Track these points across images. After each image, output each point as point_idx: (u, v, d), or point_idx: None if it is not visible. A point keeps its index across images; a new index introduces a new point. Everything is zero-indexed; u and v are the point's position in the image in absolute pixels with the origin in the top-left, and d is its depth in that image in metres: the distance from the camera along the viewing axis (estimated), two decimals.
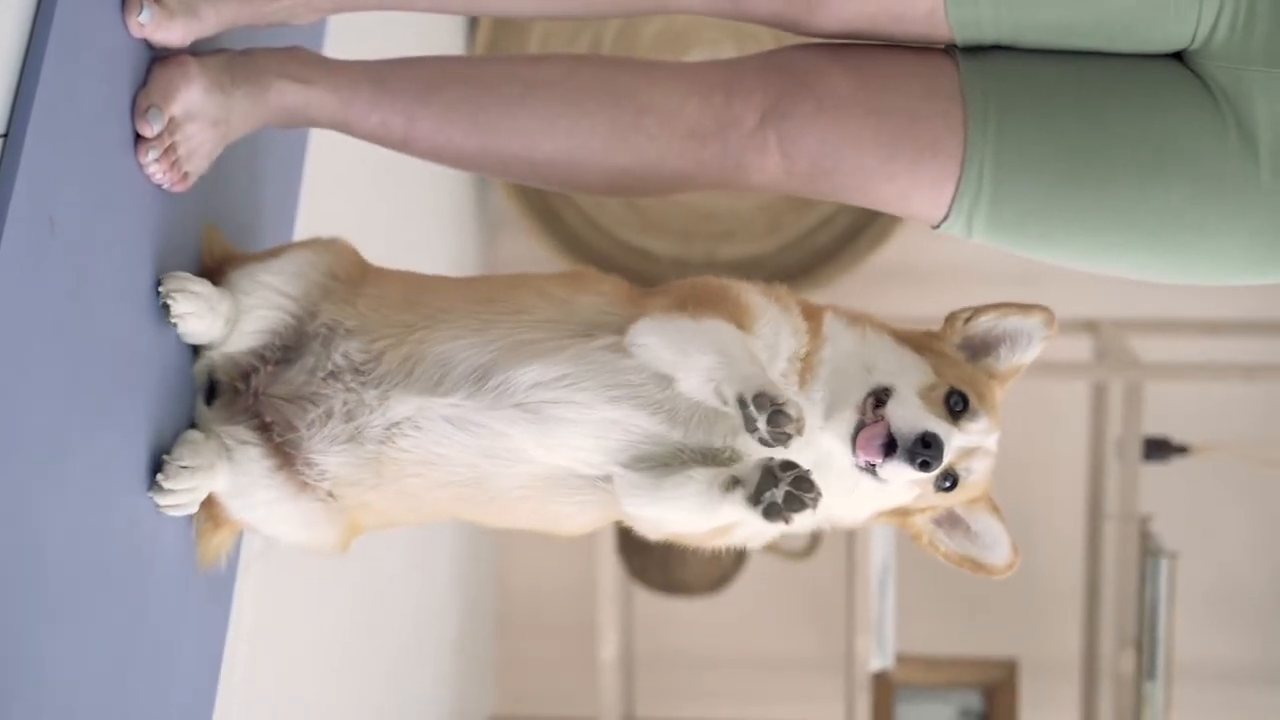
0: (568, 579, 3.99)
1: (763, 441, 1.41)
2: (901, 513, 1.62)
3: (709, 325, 1.51)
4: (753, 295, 1.58)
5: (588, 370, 1.54)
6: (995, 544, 1.63)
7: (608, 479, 1.55)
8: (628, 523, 1.59)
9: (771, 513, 1.39)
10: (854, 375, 1.55)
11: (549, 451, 1.54)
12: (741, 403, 1.41)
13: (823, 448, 1.54)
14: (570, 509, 1.59)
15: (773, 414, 1.39)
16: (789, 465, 1.40)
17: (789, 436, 1.39)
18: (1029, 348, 1.64)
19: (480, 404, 1.55)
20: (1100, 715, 3.60)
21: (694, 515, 1.49)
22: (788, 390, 1.48)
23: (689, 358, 1.49)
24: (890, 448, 1.49)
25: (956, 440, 1.53)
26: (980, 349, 1.65)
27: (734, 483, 1.44)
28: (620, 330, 1.55)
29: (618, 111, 1.63)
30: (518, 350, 1.56)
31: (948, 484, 1.57)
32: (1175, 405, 3.63)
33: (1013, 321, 1.64)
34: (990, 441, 1.58)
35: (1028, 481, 3.73)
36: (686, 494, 1.48)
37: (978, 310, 1.64)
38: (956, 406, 1.55)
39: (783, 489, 1.39)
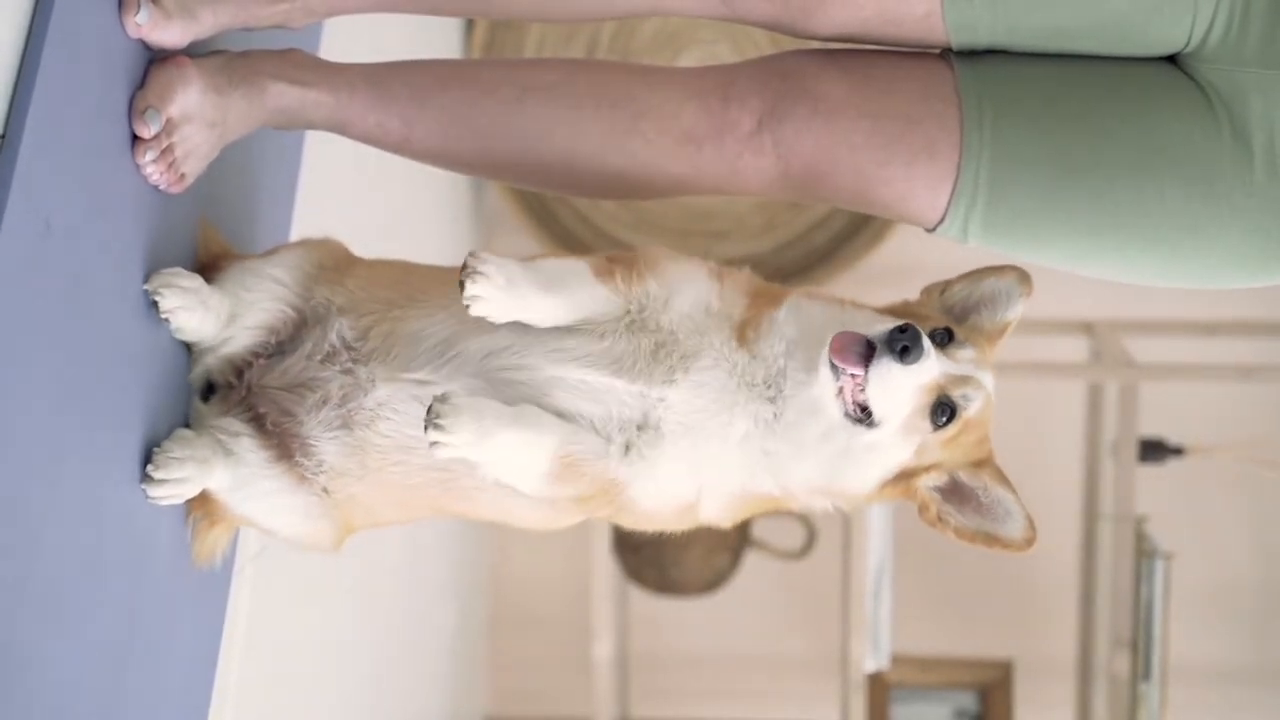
0: (563, 578, 4.00)
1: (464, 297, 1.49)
2: (906, 477, 1.57)
3: (565, 261, 1.56)
4: (668, 258, 1.60)
5: (531, 336, 1.55)
6: (1008, 516, 1.58)
7: None
8: (565, 508, 1.61)
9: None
10: (828, 332, 1.52)
11: None
12: None
13: (805, 403, 1.53)
14: (518, 500, 1.59)
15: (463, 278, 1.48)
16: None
17: (462, 284, 1.47)
18: (1010, 307, 1.63)
19: (441, 377, 1.57)
20: (1095, 716, 3.60)
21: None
22: (511, 263, 1.51)
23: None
24: (868, 356, 1.48)
25: (946, 365, 1.51)
26: (961, 317, 1.64)
27: None
28: None
29: (615, 115, 1.63)
30: (473, 322, 1.56)
31: (945, 418, 1.53)
32: (1171, 406, 3.64)
33: (989, 284, 1.63)
34: (983, 377, 1.55)
35: (1023, 482, 3.71)
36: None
37: (949, 281, 1.64)
38: (942, 340, 1.54)
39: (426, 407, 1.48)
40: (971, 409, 1.54)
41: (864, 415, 1.51)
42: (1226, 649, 3.92)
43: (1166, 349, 3.70)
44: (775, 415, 1.54)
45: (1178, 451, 3.48)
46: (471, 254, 1.48)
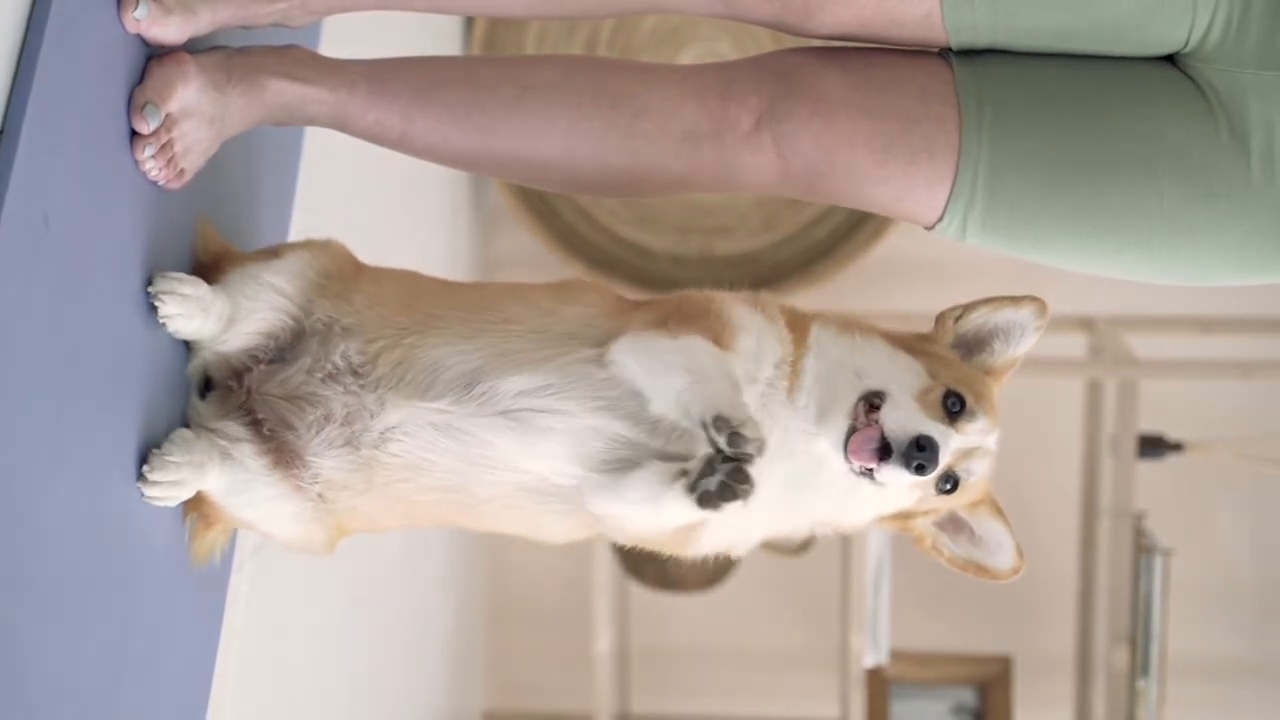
0: (562, 573, 4.00)
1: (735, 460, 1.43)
2: (903, 516, 1.62)
3: (685, 344, 1.52)
4: (736, 308, 1.58)
5: (571, 380, 1.55)
6: (1000, 548, 1.63)
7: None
8: (601, 529, 1.60)
9: (705, 500, 1.42)
10: (845, 381, 1.55)
11: (531, 459, 1.55)
12: (704, 425, 1.44)
13: (816, 453, 1.55)
14: (547, 518, 1.60)
15: (731, 435, 1.41)
16: (729, 458, 1.42)
17: (751, 456, 1.41)
18: (1023, 340, 1.64)
19: (466, 410, 1.56)
20: (1094, 711, 3.60)
21: (646, 507, 1.51)
22: (747, 409, 1.47)
23: (660, 379, 1.50)
24: (884, 452, 1.50)
25: (955, 442, 1.53)
26: (974, 345, 1.64)
27: (682, 474, 1.46)
28: (602, 343, 1.56)
29: (614, 113, 1.63)
30: (503, 359, 1.57)
31: (948, 486, 1.57)
32: (1170, 402, 3.64)
33: (1005, 315, 1.63)
34: (989, 441, 1.57)
35: (1023, 478, 3.73)
36: (638, 485, 1.50)
37: (968, 307, 1.64)
38: (954, 408, 1.55)
39: (718, 478, 1.41)
40: (973, 479, 1.58)
41: (870, 474, 1.53)
42: (1225, 645, 3.92)
43: (1166, 346, 3.70)
44: (798, 465, 1.56)
45: (1177, 448, 3.48)
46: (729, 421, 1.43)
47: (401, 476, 1.59)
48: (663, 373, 1.50)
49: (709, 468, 1.42)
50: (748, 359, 1.54)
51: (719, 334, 1.54)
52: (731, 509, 1.42)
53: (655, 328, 1.55)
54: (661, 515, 1.51)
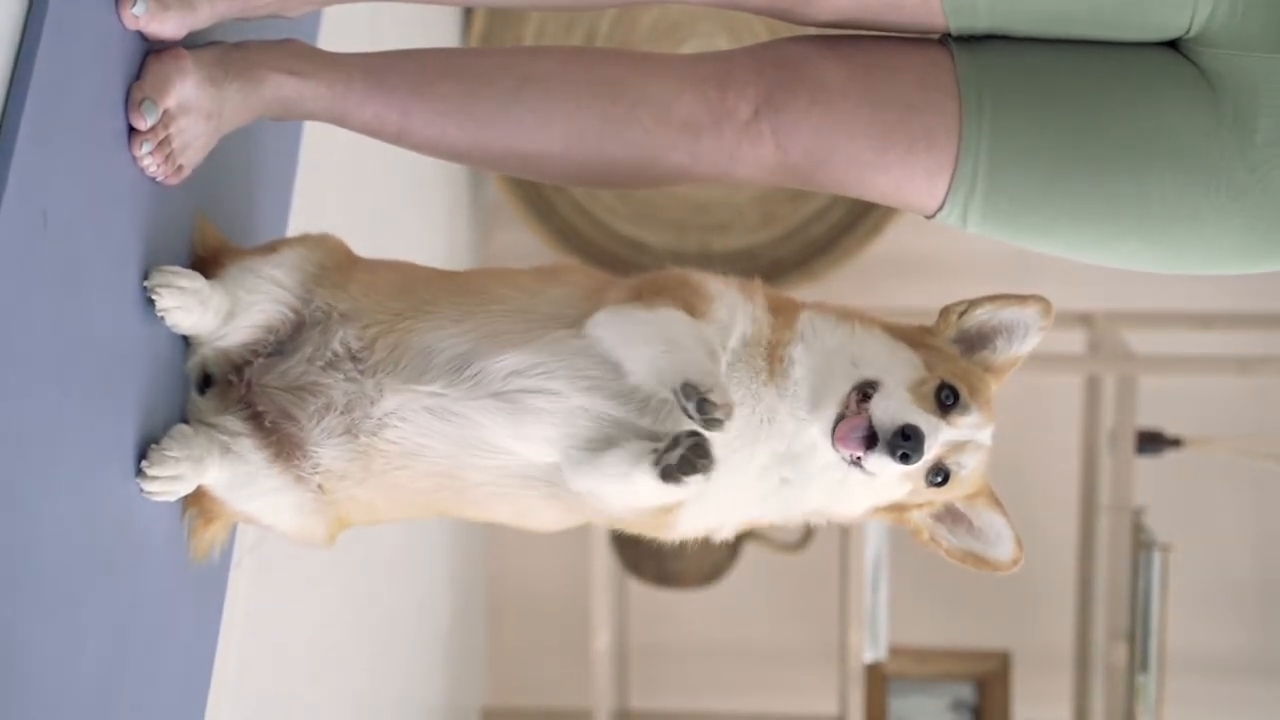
0: (561, 569, 4.00)
1: (704, 426, 1.44)
2: (898, 508, 1.62)
3: (660, 314, 1.53)
4: (711, 281, 1.60)
5: (560, 360, 1.55)
6: (999, 540, 1.63)
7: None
8: (585, 513, 1.61)
9: (667, 474, 1.44)
10: (839, 369, 1.55)
11: (520, 441, 1.56)
12: (675, 393, 1.45)
13: (807, 440, 1.55)
14: (533, 504, 1.61)
15: (699, 402, 1.43)
16: (693, 434, 1.44)
17: (719, 421, 1.43)
18: (1026, 339, 1.64)
19: (459, 392, 1.57)
20: (1093, 707, 3.60)
21: (619, 483, 1.52)
22: (719, 375, 1.48)
23: (634, 348, 1.52)
24: (871, 441, 1.50)
25: (945, 434, 1.53)
26: (976, 342, 1.64)
27: (654, 450, 1.47)
28: (582, 321, 1.57)
29: (612, 105, 1.63)
30: (492, 339, 1.57)
31: (939, 479, 1.56)
32: (1169, 398, 3.64)
33: (1009, 313, 1.63)
34: (983, 436, 1.57)
35: (1021, 474, 3.74)
36: (613, 461, 1.51)
37: (973, 303, 1.63)
38: (947, 400, 1.55)
39: (679, 452, 1.44)
40: (965, 472, 1.57)
41: (858, 462, 1.53)
42: (1224, 640, 3.92)
43: (1164, 341, 3.70)
44: (788, 448, 1.56)
45: (1175, 443, 3.48)
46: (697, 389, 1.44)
47: (398, 464, 1.60)
48: (637, 342, 1.51)
49: (674, 443, 1.44)
50: (721, 329, 1.55)
51: (692, 303, 1.55)
52: (693, 482, 1.44)
53: (631, 300, 1.56)
54: (633, 491, 1.51)
